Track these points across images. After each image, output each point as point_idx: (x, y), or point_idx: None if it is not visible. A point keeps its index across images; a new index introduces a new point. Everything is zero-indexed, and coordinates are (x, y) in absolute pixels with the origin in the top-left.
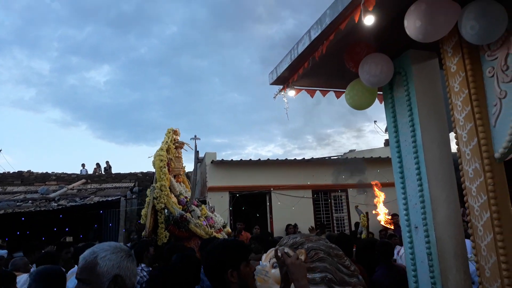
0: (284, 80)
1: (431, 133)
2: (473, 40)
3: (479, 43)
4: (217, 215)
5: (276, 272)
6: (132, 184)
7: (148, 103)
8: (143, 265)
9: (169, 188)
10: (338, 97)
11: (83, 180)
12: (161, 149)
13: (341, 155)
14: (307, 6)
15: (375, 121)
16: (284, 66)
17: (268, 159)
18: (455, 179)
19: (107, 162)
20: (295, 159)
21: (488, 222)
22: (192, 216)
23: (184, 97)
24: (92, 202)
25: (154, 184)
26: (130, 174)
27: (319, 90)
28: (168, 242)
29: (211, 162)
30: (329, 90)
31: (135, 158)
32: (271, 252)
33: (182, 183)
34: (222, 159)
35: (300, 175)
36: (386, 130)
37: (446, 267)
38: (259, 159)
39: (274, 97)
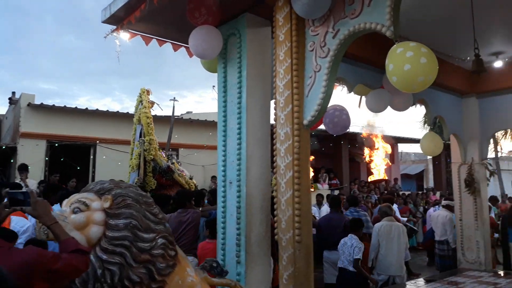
0: (118, 20)
1: (256, 96)
2: (302, 12)
3: (305, 16)
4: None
5: (76, 217)
6: None
7: None
8: None
9: None
10: (175, 49)
11: None
12: (144, 107)
13: (178, 116)
14: None
15: (213, 86)
16: (119, 4)
17: (97, 109)
18: (270, 141)
19: None
20: (127, 112)
21: (290, 180)
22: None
23: (8, 31)
24: None
25: (143, 138)
26: None
27: (156, 38)
28: (155, 189)
29: (28, 105)
30: (167, 41)
31: None
32: (73, 197)
33: None
34: (42, 103)
35: (132, 130)
36: None
37: (252, 220)
38: (87, 108)
39: (105, 37)
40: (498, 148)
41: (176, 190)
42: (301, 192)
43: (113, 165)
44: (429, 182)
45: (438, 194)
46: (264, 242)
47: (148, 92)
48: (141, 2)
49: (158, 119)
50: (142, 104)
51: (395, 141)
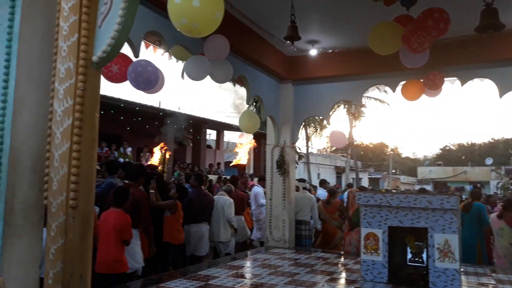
0: None
1: (37, 22)
2: None
3: None
4: None
5: None
6: None
7: None
8: None
9: None
10: None
11: None
12: None
13: None
14: None
15: None
16: None
17: None
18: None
19: None
20: None
21: (68, 129)
22: None
23: None
24: None
25: None
26: None
27: None
28: None
29: None
30: None
31: None
32: None
33: None
34: None
35: None
36: None
37: (17, 182)
38: None
39: None
40: (309, 143)
41: None
42: (82, 146)
43: None
44: (250, 170)
45: (255, 180)
46: (34, 211)
47: None
48: None
49: None
50: None
51: (220, 127)
